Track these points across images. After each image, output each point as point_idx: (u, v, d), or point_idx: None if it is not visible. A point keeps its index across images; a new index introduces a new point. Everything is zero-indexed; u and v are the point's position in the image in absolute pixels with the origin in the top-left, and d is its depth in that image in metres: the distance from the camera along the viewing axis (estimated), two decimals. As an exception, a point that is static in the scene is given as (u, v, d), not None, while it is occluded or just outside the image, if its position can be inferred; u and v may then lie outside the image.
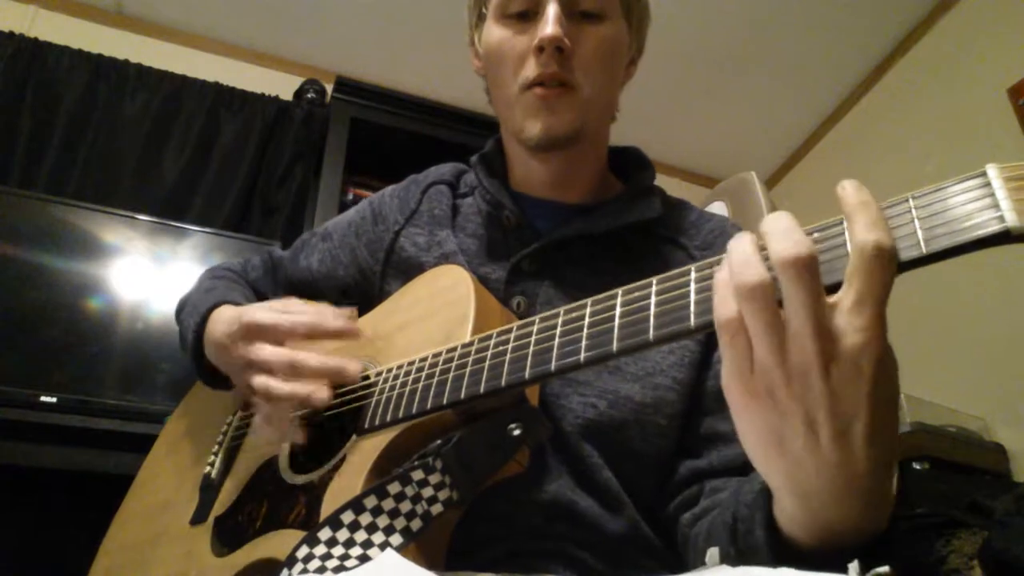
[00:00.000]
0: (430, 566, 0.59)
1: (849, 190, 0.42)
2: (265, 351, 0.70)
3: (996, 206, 0.39)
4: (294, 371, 0.68)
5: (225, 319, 0.78)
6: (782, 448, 0.43)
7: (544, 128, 0.79)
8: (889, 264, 0.40)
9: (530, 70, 0.79)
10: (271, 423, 0.70)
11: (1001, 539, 1.38)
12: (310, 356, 0.68)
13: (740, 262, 0.42)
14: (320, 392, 0.67)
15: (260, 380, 0.69)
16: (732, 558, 0.54)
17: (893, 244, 0.40)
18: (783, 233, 0.41)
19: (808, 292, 0.40)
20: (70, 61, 2.23)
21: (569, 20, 0.79)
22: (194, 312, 0.84)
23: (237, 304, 0.82)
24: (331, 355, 0.69)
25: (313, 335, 0.71)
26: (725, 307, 0.43)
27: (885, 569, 0.38)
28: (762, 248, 0.42)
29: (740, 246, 0.43)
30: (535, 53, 0.78)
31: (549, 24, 0.77)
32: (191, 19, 2.54)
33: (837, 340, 0.40)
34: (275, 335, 0.71)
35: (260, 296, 0.97)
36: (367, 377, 0.73)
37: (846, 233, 0.42)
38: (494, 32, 0.83)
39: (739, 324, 0.42)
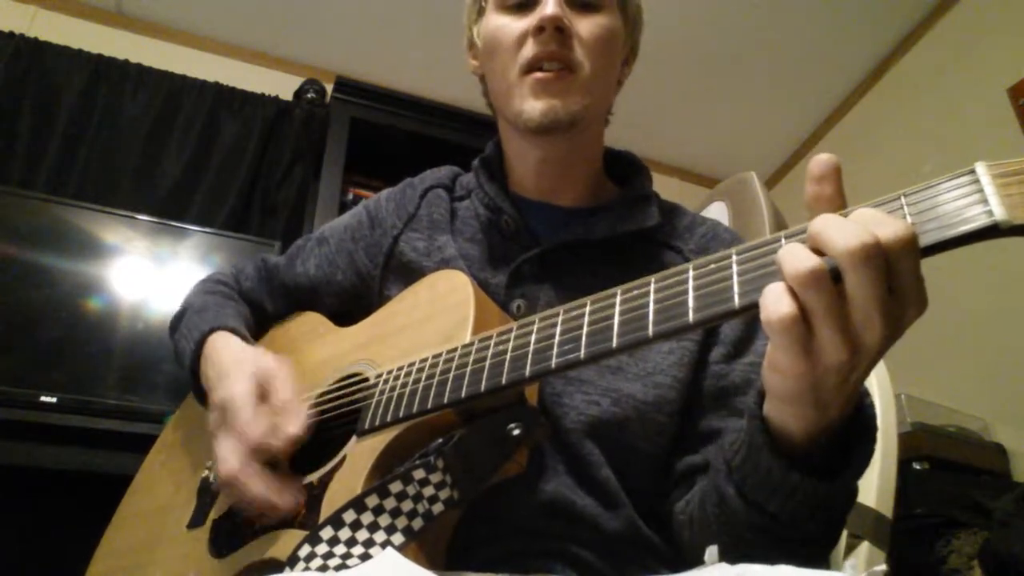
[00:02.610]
0: (430, 565, 0.59)
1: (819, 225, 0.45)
2: (222, 449, 0.71)
3: (985, 201, 0.41)
4: (234, 485, 0.68)
5: (214, 366, 0.79)
6: (817, 401, 0.48)
7: (544, 109, 0.79)
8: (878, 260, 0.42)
9: (529, 50, 0.80)
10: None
11: (1001, 539, 1.38)
12: (252, 484, 0.68)
13: (793, 257, 0.43)
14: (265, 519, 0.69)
15: (219, 471, 0.71)
16: (715, 505, 0.59)
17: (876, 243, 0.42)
18: (852, 235, 0.42)
19: (878, 273, 0.41)
20: (70, 61, 2.23)
21: (568, 7, 0.81)
22: (188, 337, 0.85)
23: (230, 329, 0.84)
24: (273, 485, 0.68)
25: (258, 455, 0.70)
26: (782, 305, 0.43)
27: (883, 568, 0.39)
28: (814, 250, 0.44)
29: (789, 248, 0.44)
30: (534, 34, 0.79)
31: (549, 5, 0.78)
32: (191, 19, 2.54)
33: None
34: (234, 428, 0.71)
35: (255, 306, 0.97)
36: (366, 379, 0.73)
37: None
38: (494, 20, 0.84)
39: (796, 317, 0.43)
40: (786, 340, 0.44)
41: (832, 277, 0.42)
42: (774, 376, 0.49)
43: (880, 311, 0.42)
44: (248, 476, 0.68)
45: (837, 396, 0.47)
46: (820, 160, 0.46)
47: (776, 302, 0.44)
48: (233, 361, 0.78)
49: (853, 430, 0.52)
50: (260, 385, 0.74)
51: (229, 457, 0.69)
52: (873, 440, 0.53)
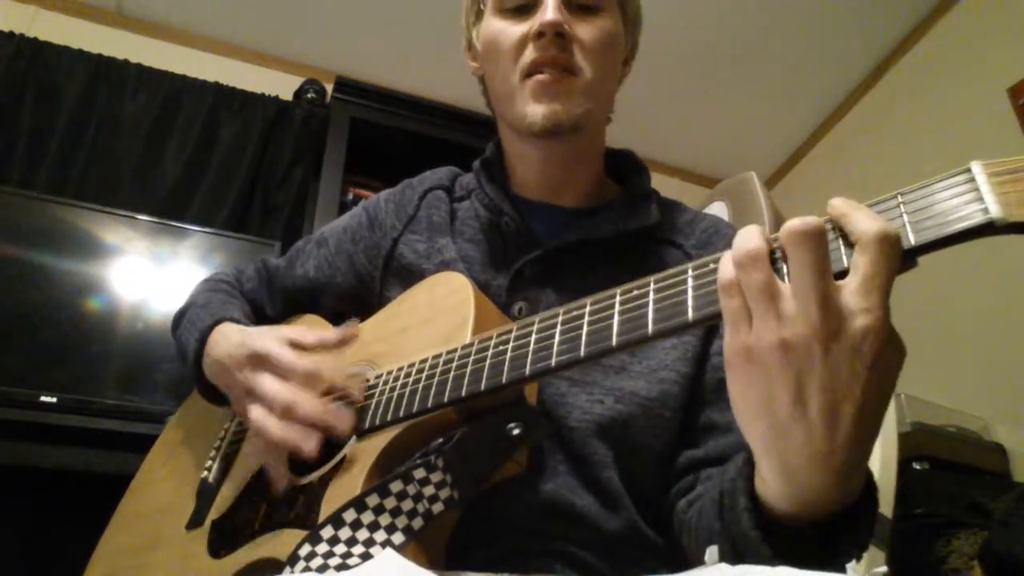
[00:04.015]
0: (430, 565, 0.59)
1: (839, 201, 0.46)
2: (266, 385, 0.69)
3: (980, 199, 0.42)
4: (290, 415, 0.67)
5: (231, 341, 0.77)
6: (769, 415, 0.45)
7: (547, 112, 0.78)
8: (894, 248, 0.42)
9: (529, 55, 0.79)
10: (261, 454, 0.71)
11: (1001, 539, 1.38)
12: (308, 403, 0.67)
13: (742, 237, 0.46)
14: (309, 443, 0.65)
15: (257, 414, 0.69)
16: (718, 533, 0.55)
17: (897, 232, 0.43)
18: (796, 218, 0.44)
19: (815, 256, 0.42)
20: (70, 61, 2.23)
21: (568, 11, 0.80)
22: (193, 328, 0.85)
23: (235, 321, 0.83)
24: (329, 406, 0.68)
25: (312, 382, 0.70)
26: (724, 271, 0.46)
27: (883, 569, 0.39)
28: (773, 240, 0.46)
29: (745, 228, 0.46)
30: (534, 39, 0.79)
31: (549, 10, 0.78)
32: (191, 19, 2.54)
33: (841, 318, 0.42)
34: (278, 368, 0.70)
35: (256, 307, 0.97)
36: (365, 380, 0.73)
37: (840, 240, 0.45)
38: (493, 24, 0.84)
39: (734, 286, 0.45)
40: (723, 299, 0.46)
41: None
42: (737, 417, 0.48)
43: (818, 296, 0.42)
44: (305, 398, 0.67)
45: (803, 447, 0.44)
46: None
47: (722, 269, 0.47)
48: (249, 332, 0.77)
49: (841, 523, 0.47)
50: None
51: (279, 388, 0.68)
52: (857, 543, 0.48)
